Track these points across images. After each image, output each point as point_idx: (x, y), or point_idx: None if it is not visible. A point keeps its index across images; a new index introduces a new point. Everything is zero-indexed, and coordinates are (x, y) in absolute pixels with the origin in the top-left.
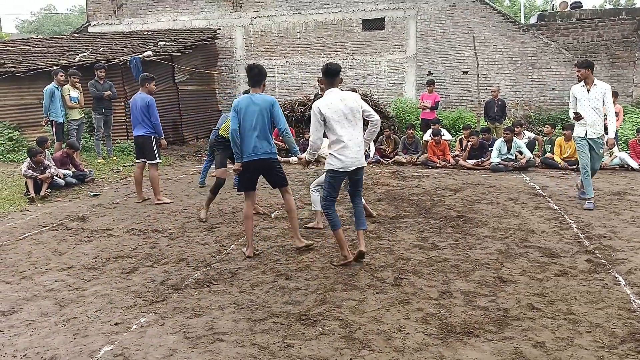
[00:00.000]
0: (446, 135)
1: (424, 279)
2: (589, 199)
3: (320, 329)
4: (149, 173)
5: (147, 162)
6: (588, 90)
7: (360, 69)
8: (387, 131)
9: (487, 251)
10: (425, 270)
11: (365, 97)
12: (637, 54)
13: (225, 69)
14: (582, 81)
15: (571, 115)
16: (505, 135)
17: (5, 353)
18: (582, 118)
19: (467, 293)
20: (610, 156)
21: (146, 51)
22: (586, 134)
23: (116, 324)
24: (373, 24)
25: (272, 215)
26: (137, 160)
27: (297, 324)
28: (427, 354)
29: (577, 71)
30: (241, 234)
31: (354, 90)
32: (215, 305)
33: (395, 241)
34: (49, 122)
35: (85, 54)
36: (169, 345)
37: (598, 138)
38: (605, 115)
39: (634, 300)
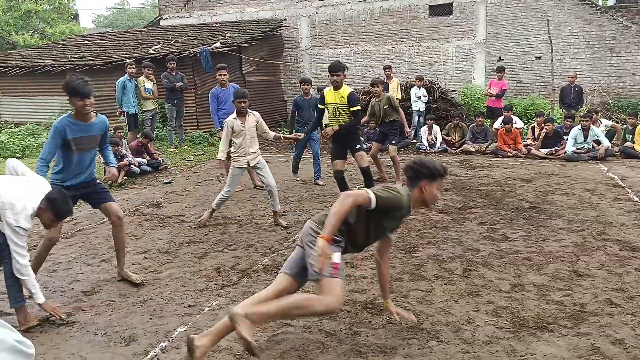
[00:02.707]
0: (518, 123)
1: (494, 271)
2: None
3: (387, 318)
4: None
5: None
6: None
7: (427, 56)
8: (456, 119)
9: (562, 244)
10: (495, 262)
11: (432, 85)
12: None
13: (291, 59)
14: None
15: None
16: (583, 122)
17: (87, 331)
18: None
19: (541, 286)
20: None
21: (215, 43)
22: None
23: (189, 306)
24: (440, 10)
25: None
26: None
27: (363, 312)
28: (498, 347)
29: None
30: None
31: (420, 79)
32: None
33: (464, 232)
34: (122, 113)
35: (157, 46)
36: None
37: None
38: None
39: None
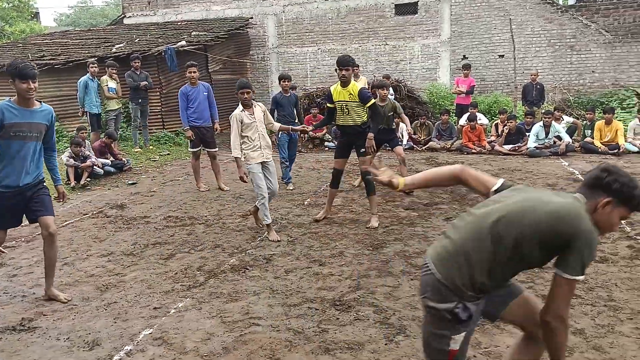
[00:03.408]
0: (482, 120)
1: None
2: None
3: (355, 315)
4: (215, 162)
5: (211, 150)
6: None
7: (393, 55)
8: (422, 118)
9: None
10: None
11: (398, 83)
12: None
13: (258, 57)
14: None
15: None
16: (544, 119)
17: (49, 336)
18: None
19: None
20: None
21: (180, 41)
22: None
23: (155, 308)
24: (406, 9)
25: (305, 203)
26: (196, 150)
27: (331, 310)
28: None
29: None
30: (275, 220)
31: (387, 77)
32: (251, 290)
33: (430, 227)
34: (85, 113)
35: (121, 45)
36: (206, 329)
37: None
38: None
39: None
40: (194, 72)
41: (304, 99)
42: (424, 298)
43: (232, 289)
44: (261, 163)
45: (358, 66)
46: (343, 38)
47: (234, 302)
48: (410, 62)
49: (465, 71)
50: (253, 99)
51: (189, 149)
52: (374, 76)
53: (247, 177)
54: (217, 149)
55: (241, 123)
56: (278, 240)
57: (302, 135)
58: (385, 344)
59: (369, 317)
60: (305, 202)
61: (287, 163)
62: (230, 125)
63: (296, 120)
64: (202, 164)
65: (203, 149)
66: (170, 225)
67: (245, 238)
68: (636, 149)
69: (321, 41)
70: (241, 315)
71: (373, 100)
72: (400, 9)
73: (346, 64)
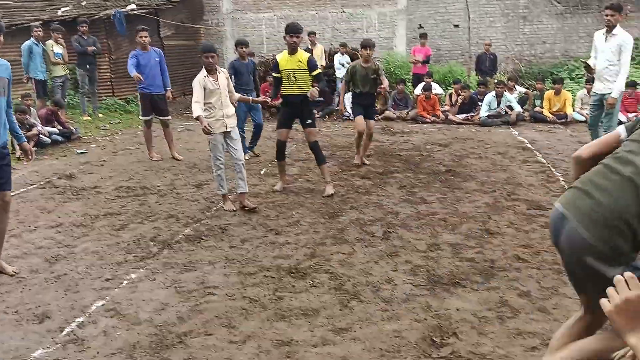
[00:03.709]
0: (437, 90)
1: (412, 232)
2: None
3: (310, 282)
4: (167, 130)
5: (164, 118)
6: (606, 39)
7: (350, 22)
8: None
9: (475, 205)
10: (413, 224)
11: (355, 52)
12: (629, 7)
13: (212, 23)
14: (606, 27)
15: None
16: (496, 89)
17: None
18: (592, 70)
19: (455, 245)
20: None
21: (130, 4)
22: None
23: (107, 279)
24: None
25: (262, 172)
26: (148, 118)
27: (287, 277)
28: (414, 304)
29: (610, 16)
30: (230, 190)
31: (344, 46)
32: (206, 260)
33: (384, 196)
34: (29, 80)
35: (67, 8)
36: (161, 299)
37: (608, 94)
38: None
39: None
40: (145, 36)
41: (261, 67)
42: (585, 257)
43: (186, 259)
44: (223, 133)
45: (315, 33)
46: (299, 4)
47: (188, 272)
48: (367, 31)
49: (422, 40)
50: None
51: (141, 117)
52: (331, 44)
53: (210, 131)
54: (170, 117)
55: (204, 89)
56: (234, 210)
57: (268, 105)
58: (340, 310)
59: (324, 283)
60: (262, 172)
61: (242, 132)
62: (192, 90)
63: (253, 89)
64: (154, 133)
65: (155, 117)
66: (122, 195)
67: (200, 208)
68: (583, 119)
69: (277, 7)
70: (196, 285)
71: (319, 70)
72: None
73: (297, 31)
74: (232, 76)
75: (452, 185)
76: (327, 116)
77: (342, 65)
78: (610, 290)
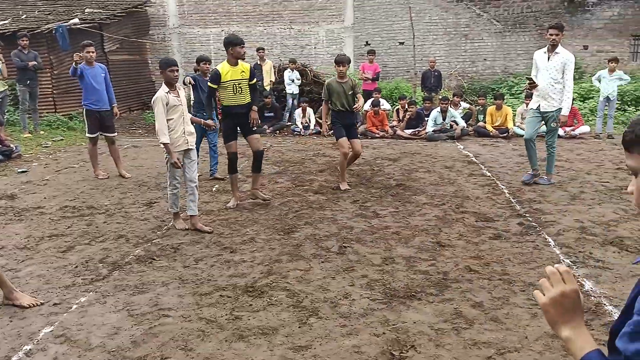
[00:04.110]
0: (385, 105)
1: (367, 246)
2: (532, 170)
3: (268, 300)
4: (114, 147)
5: (110, 135)
6: (549, 58)
7: (299, 39)
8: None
9: (426, 218)
10: (368, 238)
11: (304, 68)
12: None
13: (158, 37)
14: (547, 47)
15: (527, 82)
16: (441, 105)
17: None
18: (535, 86)
19: (409, 258)
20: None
21: (73, 19)
22: (539, 106)
23: (55, 304)
24: None
25: (214, 189)
26: (94, 135)
27: (244, 296)
28: (372, 318)
29: (554, 35)
30: (182, 207)
31: (293, 62)
32: (159, 281)
33: (339, 210)
34: None
35: (6, 22)
36: (113, 323)
37: (553, 112)
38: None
39: (563, 260)
40: (92, 52)
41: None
42: None
43: (138, 280)
44: (183, 151)
45: (264, 49)
46: (247, 20)
47: (141, 294)
48: (315, 47)
49: (370, 57)
50: None
51: (87, 135)
52: (280, 60)
53: (179, 163)
54: (116, 134)
55: (166, 105)
56: (186, 229)
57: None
58: (299, 327)
59: (282, 301)
60: (214, 189)
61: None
62: (140, 105)
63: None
64: (99, 150)
65: (101, 134)
66: (67, 215)
67: (150, 227)
68: (523, 133)
69: (225, 22)
70: (149, 307)
71: (256, 80)
72: None
73: (242, 42)
74: (193, 90)
75: (404, 199)
76: (277, 132)
77: (292, 81)
78: (543, 281)
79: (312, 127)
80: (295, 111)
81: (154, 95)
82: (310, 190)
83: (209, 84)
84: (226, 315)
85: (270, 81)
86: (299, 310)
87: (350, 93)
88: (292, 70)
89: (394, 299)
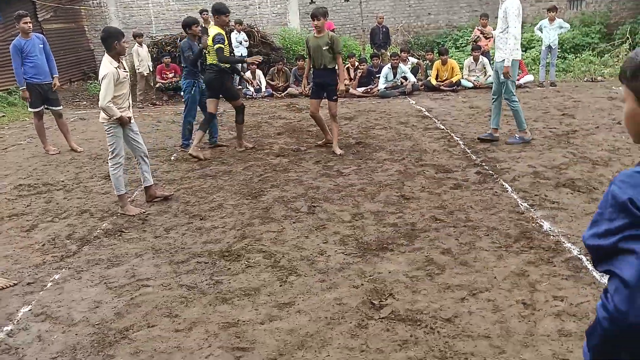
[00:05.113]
0: None
1: (335, 204)
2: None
3: (246, 263)
4: (61, 121)
5: (56, 108)
6: (499, 8)
7: None
8: (279, 64)
9: (388, 173)
10: (335, 197)
11: (251, 29)
12: None
13: (93, 3)
14: None
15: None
16: (392, 61)
17: None
18: (477, 37)
19: (377, 213)
20: (485, 75)
21: None
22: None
23: (28, 283)
24: None
25: (172, 158)
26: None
27: (221, 261)
28: (349, 271)
29: None
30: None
31: (240, 23)
32: (132, 252)
33: (303, 172)
34: None
35: None
36: (92, 297)
37: (500, 62)
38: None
39: (520, 204)
40: (28, 22)
41: (153, 48)
42: None
43: (111, 253)
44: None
45: (207, 11)
46: None
47: (116, 266)
48: (259, 7)
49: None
50: None
51: (30, 109)
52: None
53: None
54: (61, 107)
55: (116, 81)
56: (142, 212)
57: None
58: (280, 286)
59: (260, 262)
60: (172, 157)
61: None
62: (103, 83)
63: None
64: (46, 125)
65: (46, 108)
66: (24, 194)
67: (113, 200)
68: (471, 85)
69: None
70: (127, 279)
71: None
72: None
73: (229, 11)
74: (184, 53)
75: (365, 157)
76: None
77: (240, 43)
78: None
79: (263, 89)
80: (245, 74)
81: (94, 65)
82: (272, 154)
83: (218, 45)
84: (206, 280)
85: None
86: (278, 270)
87: (325, 49)
88: (239, 32)
89: (368, 252)
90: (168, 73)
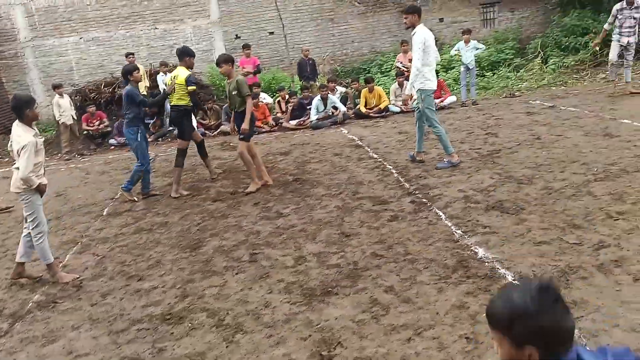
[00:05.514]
0: (267, 99)
1: (277, 249)
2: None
3: (189, 324)
4: None
5: None
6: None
7: (166, 39)
8: (210, 102)
9: (327, 210)
10: (276, 241)
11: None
12: (418, 1)
13: (9, 54)
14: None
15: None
16: (321, 93)
17: None
18: (399, 70)
19: (319, 254)
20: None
21: None
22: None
23: None
24: None
25: (105, 213)
26: None
27: (163, 325)
28: (296, 322)
29: (404, 18)
30: (74, 240)
31: (165, 65)
32: (68, 325)
33: (242, 216)
34: None
35: None
36: None
37: (418, 91)
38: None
39: (455, 232)
40: None
41: (76, 96)
42: None
43: (45, 329)
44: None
45: (133, 54)
46: (107, 25)
47: (51, 343)
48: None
49: (247, 51)
50: None
51: None
52: (150, 64)
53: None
54: None
55: (35, 149)
56: (76, 278)
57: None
58: (226, 347)
59: (204, 323)
60: (105, 212)
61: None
62: (24, 154)
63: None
64: None
65: None
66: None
67: (43, 267)
68: (399, 110)
69: (82, 29)
70: (64, 356)
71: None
72: None
73: (194, 54)
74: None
75: (303, 194)
76: (160, 139)
77: (166, 85)
78: None
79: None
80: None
81: (12, 116)
82: (209, 199)
83: (192, 87)
84: (149, 349)
85: (146, 87)
86: (223, 329)
87: (234, 93)
88: (165, 74)
89: (313, 298)
90: (94, 121)
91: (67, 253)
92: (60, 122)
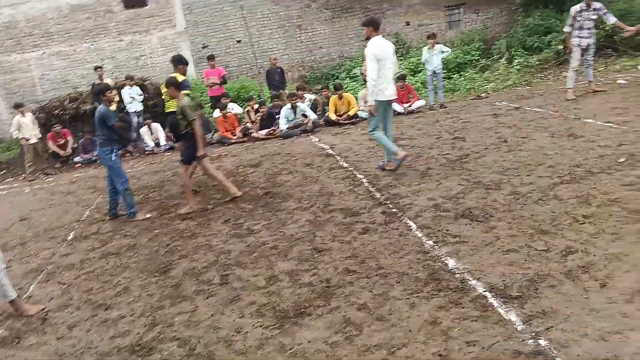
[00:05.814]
0: (235, 109)
1: (248, 269)
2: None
3: (159, 355)
4: None
5: None
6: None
7: (131, 51)
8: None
9: (299, 224)
10: (247, 260)
11: (143, 82)
12: (385, 5)
13: None
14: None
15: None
16: (290, 101)
17: None
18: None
19: (291, 272)
20: None
21: None
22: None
23: None
24: (134, 1)
25: (70, 237)
26: None
27: (132, 357)
28: (269, 347)
29: (364, 31)
30: (39, 269)
31: (130, 78)
32: None
33: (212, 235)
34: None
35: None
36: None
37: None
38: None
39: (425, 242)
40: None
41: (40, 114)
42: None
43: None
44: None
45: (102, 67)
46: (70, 38)
47: None
48: (150, 57)
49: (211, 62)
50: None
51: None
52: (116, 77)
53: None
54: None
55: None
56: (40, 310)
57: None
58: None
59: (174, 353)
60: (70, 236)
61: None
62: None
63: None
64: None
65: None
66: None
67: (1, 301)
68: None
69: (45, 44)
70: None
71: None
72: (129, 2)
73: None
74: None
75: (274, 208)
76: (129, 154)
77: (133, 98)
78: None
79: (163, 142)
80: (141, 130)
81: None
82: (177, 218)
83: (186, 92)
84: None
85: (116, 102)
86: (194, 359)
87: (179, 117)
88: (131, 87)
89: (286, 320)
90: (60, 140)
91: (31, 283)
92: (23, 142)
